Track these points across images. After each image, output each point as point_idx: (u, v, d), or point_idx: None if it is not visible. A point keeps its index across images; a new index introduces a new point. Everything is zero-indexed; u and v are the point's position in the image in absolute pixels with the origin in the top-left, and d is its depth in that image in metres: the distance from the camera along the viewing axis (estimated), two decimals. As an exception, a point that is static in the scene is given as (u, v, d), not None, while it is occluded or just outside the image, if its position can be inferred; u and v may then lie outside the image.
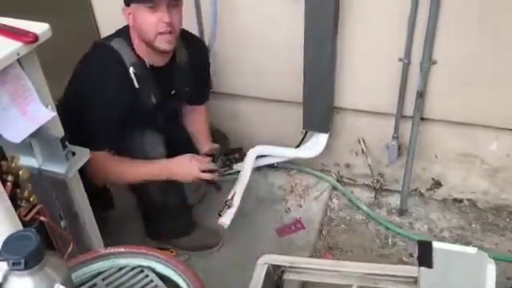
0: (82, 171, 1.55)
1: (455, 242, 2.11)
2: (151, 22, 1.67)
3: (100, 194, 2.09)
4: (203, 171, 1.85)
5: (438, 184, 2.28)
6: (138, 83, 1.75)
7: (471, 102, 1.96)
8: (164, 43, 1.71)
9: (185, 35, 1.86)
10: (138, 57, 1.76)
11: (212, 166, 1.89)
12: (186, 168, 1.84)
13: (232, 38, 2.12)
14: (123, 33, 1.78)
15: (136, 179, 1.82)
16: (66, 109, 1.55)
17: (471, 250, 1.11)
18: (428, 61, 1.88)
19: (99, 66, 1.73)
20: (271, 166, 2.44)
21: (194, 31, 2.13)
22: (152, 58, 1.77)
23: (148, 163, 1.81)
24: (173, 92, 1.90)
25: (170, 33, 1.69)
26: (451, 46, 1.85)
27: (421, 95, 1.96)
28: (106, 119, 1.72)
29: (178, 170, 1.83)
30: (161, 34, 1.69)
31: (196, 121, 2.12)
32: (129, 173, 1.81)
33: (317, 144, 2.22)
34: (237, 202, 2.08)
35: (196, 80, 1.98)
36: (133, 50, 1.75)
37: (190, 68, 1.92)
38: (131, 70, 1.73)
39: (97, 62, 1.75)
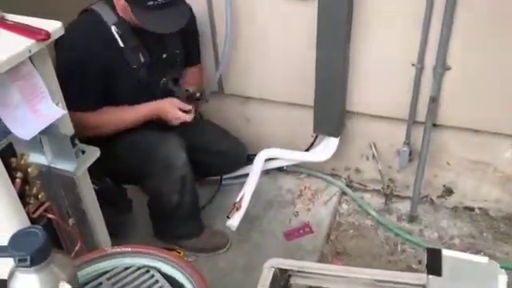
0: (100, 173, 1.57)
1: (466, 250, 2.08)
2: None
3: (119, 199, 2.11)
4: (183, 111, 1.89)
5: (449, 191, 2.25)
6: (123, 42, 1.75)
7: (485, 108, 1.93)
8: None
9: None
10: (120, 18, 1.75)
11: (186, 106, 1.91)
12: (168, 110, 1.87)
13: (245, 41, 2.12)
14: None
15: (127, 125, 1.84)
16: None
17: (482, 259, 1.09)
18: (442, 66, 1.86)
19: (79, 27, 1.74)
20: (280, 169, 2.43)
21: (207, 34, 2.14)
22: (130, 19, 1.76)
23: (134, 108, 1.84)
24: (164, 55, 1.89)
25: None
26: (465, 51, 1.82)
27: (434, 101, 1.94)
28: (89, 77, 1.72)
29: (161, 111, 1.87)
30: None
31: (189, 79, 2.08)
32: (118, 121, 1.83)
33: (327, 148, 2.20)
34: (245, 204, 2.08)
35: (186, 43, 1.97)
36: (115, 11, 1.75)
37: (178, 31, 1.88)
38: (113, 29, 1.73)
39: (77, 24, 1.75)
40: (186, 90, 1.95)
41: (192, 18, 2.02)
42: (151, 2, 1.65)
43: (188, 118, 1.90)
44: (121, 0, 1.70)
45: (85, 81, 1.72)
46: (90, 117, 1.75)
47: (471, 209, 2.25)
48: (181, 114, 1.88)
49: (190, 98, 1.94)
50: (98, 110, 1.79)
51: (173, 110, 1.88)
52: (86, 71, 1.70)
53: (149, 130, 1.89)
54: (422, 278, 1.14)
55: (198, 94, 1.95)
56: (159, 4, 1.66)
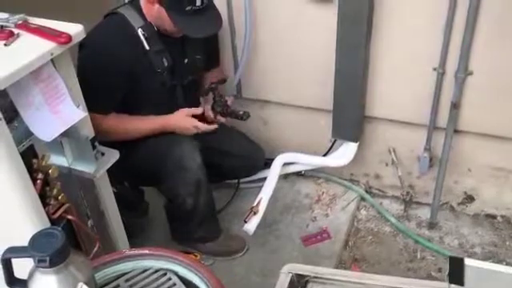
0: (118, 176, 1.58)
1: (487, 259, 2.04)
2: (172, 29, 1.73)
3: (136, 202, 2.13)
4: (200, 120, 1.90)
5: (470, 198, 2.21)
6: (149, 45, 1.76)
7: (508, 114, 1.89)
8: (177, 35, 1.77)
9: None
10: (147, 21, 1.76)
11: (207, 114, 1.92)
12: (183, 123, 1.88)
13: (264, 45, 2.12)
14: (132, 1, 1.81)
15: (140, 134, 1.85)
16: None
17: (507, 269, 1.06)
18: (464, 71, 1.83)
19: (106, 29, 1.76)
20: (299, 174, 2.42)
21: (227, 37, 2.14)
22: (161, 25, 1.78)
23: (149, 119, 1.86)
24: (186, 60, 1.90)
25: None
26: (488, 56, 1.79)
27: (455, 106, 1.91)
28: (111, 80, 1.73)
29: (176, 125, 1.88)
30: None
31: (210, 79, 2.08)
32: (133, 129, 1.85)
33: (346, 153, 2.18)
34: (262, 208, 2.07)
35: (206, 48, 1.98)
36: (141, 15, 1.77)
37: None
38: (140, 31, 1.74)
39: (104, 26, 1.77)
40: (228, 106, 1.95)
41: None
42: (189, 7, 1.67)
43: (207, 127, 1.89)
44: (155, 5, 1.72)
45: (106, 83, 1.73)
46: (104, 120, 1.75)
47: (493, 216, 2.20)
48: (199, 124, 1.88)
49: (231, 115, 1.95)
50: (112, 114, 1.80)
51: (190, 123, 1.87)
52: (109, 74, 1.72)
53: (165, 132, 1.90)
54: (443, 286, 1.11)
55: (241, 112, 1.95)
56: (196, 9, 1.68)
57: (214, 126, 1.92)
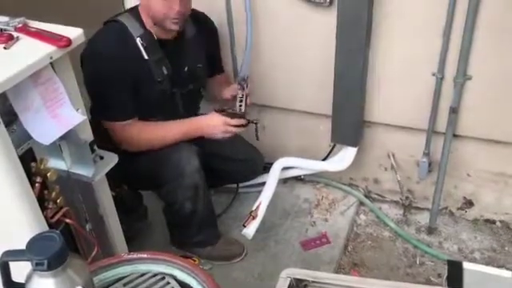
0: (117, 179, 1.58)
1: (486, 264, 2.03)
2: (161, 9, 1.70)
3: (135, 206, 2.13)
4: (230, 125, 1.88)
5: (469, 203, 2.21)
6: (148, 54, 1.76)
7: (507, 119, 1.90)
8: (173, 25, 1.74)
9: (193, 12, 1.86)
10: (146, 29, 1.76)
11: (234, 121, 1.88)
12: (214, 125, 1.87)
13: (263, 50, 2.12)
14: (132, 9, 1.81)
15: (173, 140, 1.84)
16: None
17: (505, 273, 1.05)
18: (462, 76, 1.83)
19: (105, 37, 1.76)
20: (298, 179, 2.42)
21: (227, 42, 2.15)
22: (160, 32, 1.78)
23: (180, 123, 1.86)
24: (186, 69, 1.90)
25: (180, 17, 1.72)
26: (487, 60, 1.80)
27: (454, 111, 1.91)
28: (117, 87, 1.73)
29: (207, 127, 1.87)
30: (170, 17, 1.72)
31: (219, 85, 2.10)
32: (165, 134, 1.84)
33: (345, 158, 2.18)
34: (261, 213, 2.07)
35: (207, 56, 1.98)
36: (140, 23, 1.76)
37: (199, 44, 1.91)
38: (138, 40, 1.74)
39: (103, 34, 1.77)
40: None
41: (214, 30, 2.04)
42: None
43: (237, 130, 1.89)
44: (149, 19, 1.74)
45: (115, 89, 1.73)
46: (128, 128, 1.77)
47: (492, 221, 2.20)
48: (229, 120, 1.86)
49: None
50: (130, 119, 1.79)
51: (220, 120, 1.87)
52: (114, 79, 1.72)
53: None
54: (441, 291, 1.11)
55: (254, 121, 1.94)
56: None
57: (244, 121, 1.89)
